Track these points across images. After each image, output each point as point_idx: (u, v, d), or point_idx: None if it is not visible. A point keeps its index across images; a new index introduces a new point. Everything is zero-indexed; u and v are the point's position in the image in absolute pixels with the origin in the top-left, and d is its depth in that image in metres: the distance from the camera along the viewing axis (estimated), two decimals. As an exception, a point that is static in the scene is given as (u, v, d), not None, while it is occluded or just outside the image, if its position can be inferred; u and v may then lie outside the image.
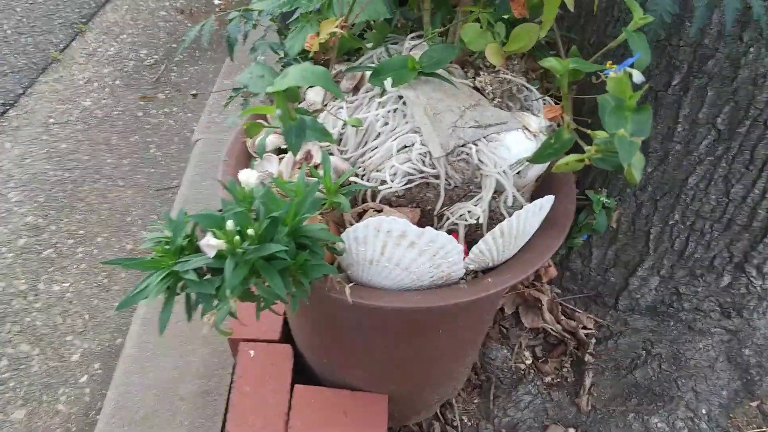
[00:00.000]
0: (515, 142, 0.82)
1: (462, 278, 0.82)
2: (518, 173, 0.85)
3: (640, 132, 0.45)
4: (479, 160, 0.80)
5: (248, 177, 0.65)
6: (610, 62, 0.57)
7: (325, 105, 0.89)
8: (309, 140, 0.69)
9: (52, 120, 2.07)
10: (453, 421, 1.24)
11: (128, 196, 1.82)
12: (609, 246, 1.33)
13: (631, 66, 0.57)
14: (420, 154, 0.80)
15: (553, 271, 1.33)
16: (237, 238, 0.61)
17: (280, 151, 0.94)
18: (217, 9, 2.68)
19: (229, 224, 0.61)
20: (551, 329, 1.32)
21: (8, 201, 1.74)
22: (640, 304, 1.34)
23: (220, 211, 0.71)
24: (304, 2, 0.83)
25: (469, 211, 0.80)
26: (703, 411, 1.26)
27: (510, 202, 0.81)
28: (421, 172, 0.80)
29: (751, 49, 1.04)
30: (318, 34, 0.79)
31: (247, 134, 0.91)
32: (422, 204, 0.83)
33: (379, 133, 0.84)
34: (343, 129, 0.86)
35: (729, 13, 0.77)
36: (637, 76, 0.46)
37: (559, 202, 0.86)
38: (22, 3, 2.68)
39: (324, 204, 0.76)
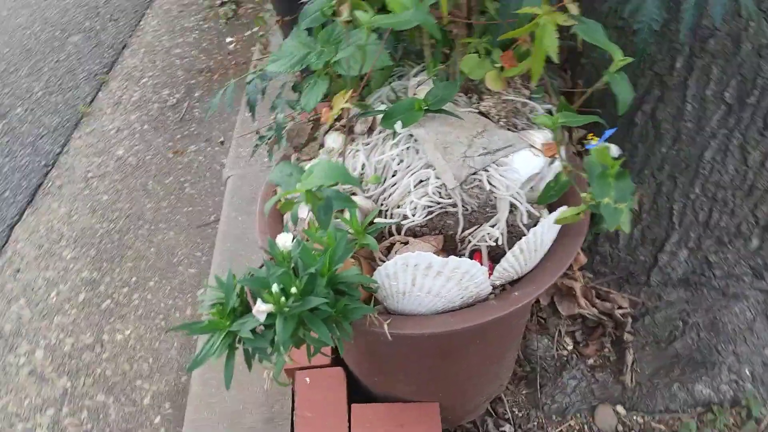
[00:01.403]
0: (524, 162, 0.87)
1: (491, 293, 0.89)
2: (531, 188, 0.90)
3: (623, 198, 0.50)
4: (491, 184, 0.86)
5: (285, 241, 0.73)
6: (591, 134, 0.61)
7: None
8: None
9: (90, 174, 2.21)
10: (504, 414, 1.31)
11: (171, 237, 1.94)
12: (634, 226, 1.37)
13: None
14: (436, 186, 0.86)
15: (582, 258, 1.38)
16: (283, 299, 0.69)
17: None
18: (230, 47, 2.76)
19: (275, 288, 0.69)
20: (587, 314, 1.37)
21: (63, 259, 1.88)
22: (672, 278, 1.38)
23: (262, 266, 0.79)
24: (314, 61, 0.89)
25: (488, 233, 0.86)
26: (747, 372, 1.29)
27: (525, 220, 0.87)
28: (439, 203, 0.87)
29: (751, 23, 1.06)
30: (331, 108, 0.86)
31: (281, 210, 0.99)
32: (444, 230, 0.89)
33: (396, 171, 0.90)
34: (362, 170, 0.93)
35: (716, 13, 0.80)
36: (615, 150, 0.51)
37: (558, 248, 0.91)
38: (48, 63, 2.83)
39: (355, 246, 0.83)
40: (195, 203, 2.06)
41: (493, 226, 0.87)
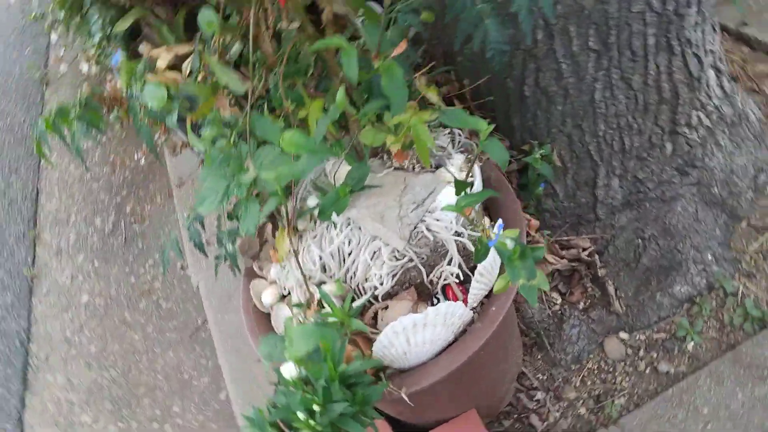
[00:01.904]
0: (450, 198, 0.97)
1: (473, 313, 0.99)
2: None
3: (532, 276, 0.60)
4: (431, 231, 0.95)
5: (290, 371, 0.81)
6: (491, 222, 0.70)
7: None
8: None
9: (68, 333, 2.22)
10: (531, 384, 1.43)
11: (171, 357, 1.98)
12: (565, 177, 1.49)
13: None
14: (389, 253, 0.95)
15: (535, 222, 1.50)
16: (311, 421, 0.78)
17: (282, 296, 1.10)
18: (142, 161, 2.76)
19: (301, 416, 0.77)
20: (560, 267, 1.50)
21: (85, 425, 1.91)
22: (615, 205, 1.51)
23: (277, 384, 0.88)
24: (237, 191, 0.96)
25: (449, 271, 0.96)
26: (709, 257, 1.45)
27: (471, 247, 0.97)
28: (398, 264, 0.96)
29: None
30: (276, 249, 0.94)
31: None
32: (413, 282, 0.99)
33: (350, 251, 0.99)
34: (320, 260, 1.02)
35: (526, 26, 0.90)
36: (510, 243, 0.60)
37: (507, 212, 1.02)
38: (-26, 244, 2.79)
39: (346, 335, 0.92)
40: (177, 315, 2.10)
41: (449, 263, 0.97)
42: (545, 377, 1.44)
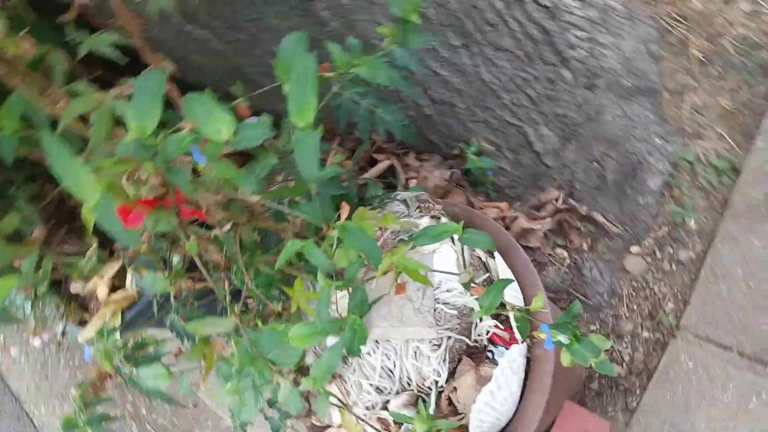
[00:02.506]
0: (447, 262, 0.99)
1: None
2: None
3: (597, 353, 0.62)
4: (450, 304, 0.97)
5: None
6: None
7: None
8: None
9: None
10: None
11: None
12: (502, 153, 1.53)
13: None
14: (428, 345, 0.97)
15: (503, 205, 1.54)
16: None
17: None
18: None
19: None
20: (547, 227, 1.54)
21: None
22: (555, 148, 1.56)
23: None
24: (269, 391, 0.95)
25: (485, 325, 0.98)
26: (657, 141, 1.52)
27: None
28: (440, 347, 0.97)
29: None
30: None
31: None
32: (462, 352, 1.01)
33: (394, 362, 1.00)
34: (372, 386, 1.02)
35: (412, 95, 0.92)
36: (564, 338, 0.62)
37: (517, 266, 1.04)
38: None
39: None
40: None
41: (481, 320, 0.99)
42: (598, 326, 1.49)
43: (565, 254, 1.56)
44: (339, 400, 0.91)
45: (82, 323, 1.62)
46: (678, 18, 1.62)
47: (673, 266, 1.45)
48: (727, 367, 1.31)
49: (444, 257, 1.00)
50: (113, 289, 1.46)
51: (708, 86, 1.53)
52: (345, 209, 0.70)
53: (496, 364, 0.98)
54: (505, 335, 1.01)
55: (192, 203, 0.80)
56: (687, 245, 1.44)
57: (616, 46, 1.57)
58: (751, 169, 1.39)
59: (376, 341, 0.99)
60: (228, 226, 0.83)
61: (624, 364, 1.43)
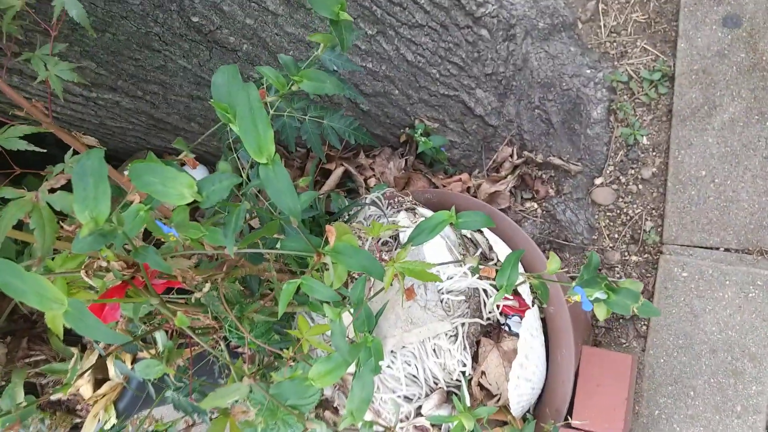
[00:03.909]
0: (438, 250, 0.96)
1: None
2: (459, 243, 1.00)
3: (636, 298, 0.60)
4: (454, 291, 0.94)
5: None
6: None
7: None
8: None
9: None
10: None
11: None
12: (447, 127, 1.51)
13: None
14: (446, 339, 0.93)
15: (465, 176, 1.52)
16: None
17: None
18: None
19: None
20: (511, 185, 1.54)
21: None
22: (495, 107, 1.55)
23: None
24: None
25: (490, 302, 0.96)
26: (588, 71, 1.53)
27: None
28: (459, 338, 0.94)
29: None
30: None
31: None
32: (480, 333, 0.98)
33: (416, 366, 0.96)
34: (401, 397, 0.98)
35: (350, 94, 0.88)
36: (600, 294, 0.59)
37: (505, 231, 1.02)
38: None
39: (485, 424, 0.90)
40: None
41: (487, 295, 0.96)
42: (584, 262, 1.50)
43: (535, 206, 1.55)
44: (381, 425, 0.87)
45: (76, 429, 1.50)
46: (569, -51, 1.64)
47: (640, 186, 1.47)
48: (720, 266, 1.34)
49: (434, 246, 0.96)
50: (97, 383, 1.36)
51: (617, 5, 1.56)
52: (332, 232, 0.65)
53: (516, 335, 0.96)
54: (515, 303, 0.99)
55: (163, 275, 0.73)
56: (646, 162, 1.46)
57: (521, -8, 1.57)
58: (683, 73, 1.42)
59: (393, 351, 0.95)
60: (207, 286, 0.76)
61: (623, 293, 1.44)
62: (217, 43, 1.10)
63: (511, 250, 1.00)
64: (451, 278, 0.94)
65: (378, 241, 0.98)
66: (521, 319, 0.96)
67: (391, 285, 0.94)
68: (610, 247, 1.49)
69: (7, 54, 0.71)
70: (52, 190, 0.57)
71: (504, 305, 0.98)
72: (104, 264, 0.69)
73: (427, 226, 0.66)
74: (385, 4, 1.29)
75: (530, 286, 0.98)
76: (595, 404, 1.20)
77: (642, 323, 1.42)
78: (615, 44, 1.54)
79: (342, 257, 0.66)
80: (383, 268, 0.65)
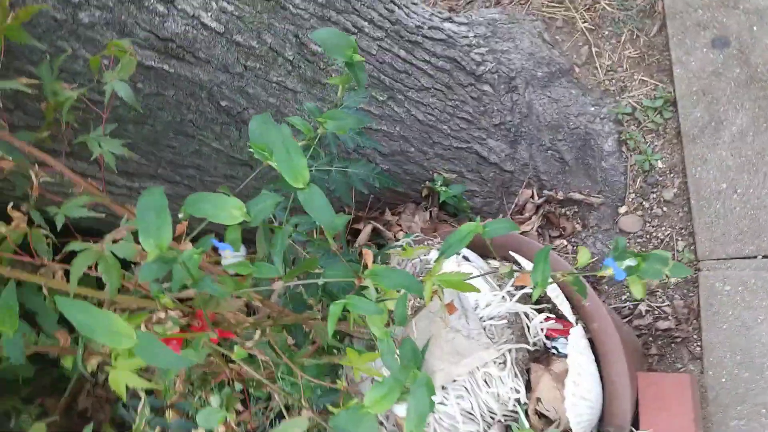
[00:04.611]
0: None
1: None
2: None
3: (665, 261, 0.63)
4: (495, 317, 0.95)
5: None
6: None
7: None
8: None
9: None
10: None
11: None
12: (465, 177, 1.57)
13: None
14: (495, 367, 0.94)
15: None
16: None
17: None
18: None
19: None
20: (537, 224, 1.57)
21: None
22: (508, 153, 1.62)
23: None
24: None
25: (538, 323, 0.97)
26: (592, 109, 1.60)
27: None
28: (507, 365, 0.94)
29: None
30: None
31: None
32: (528, 358, 0.98)
33: (469, 400, 0.95)
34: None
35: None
36: (632, 261, 0.62)
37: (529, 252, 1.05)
38: None
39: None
40: None
41: (529, 318, 0.97)
42: (627, 294, 1.49)
43: (564, 242, 1.57)
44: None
45: None
46: (553, 4, 1.77)
47: (664, 208, 1.49)
48: (761, 274, 1.33)
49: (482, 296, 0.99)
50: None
51: (609, 46, 1.65)
52: (368, 255, 0.69)
53: (565, 357, 0.96)
54: (559, 326, 1.00)
55: (217, 322, 0.77)
56: (665, 184, 1.49)
57: (515, 48, 1.68)
58: (684, 95, 1.48)
59: (444, 387, 0.95)
60: (258, 334, 0.80)
61: (669, 317, 1.42)
62: (244, 122, 1.20)
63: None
64: (489, 305, 0.95)
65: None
66: (567, 341, 0.96)
67: (431, 313, 0.96)
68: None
69: (65, 141, 0.80)
70: (114, 242, 0.63)
71: (549, 328, 0.99)
72: (162, 315, 0.73)
73: (455, 238, 0.70)
74: (391, 72, 1.40)
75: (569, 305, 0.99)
76: (663, 430, 1.16)
77: (695, 344, 1.39)
78: (614, 81, 1.62)
79: (380, 278, 0.69)
80: (422, 284, 0.68)
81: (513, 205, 1.61)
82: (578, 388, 0.89)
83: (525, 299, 0.99)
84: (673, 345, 1.42)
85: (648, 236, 1.50)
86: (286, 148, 0.60)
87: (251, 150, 0.65)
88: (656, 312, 1.43)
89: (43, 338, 0.95)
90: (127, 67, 0.71)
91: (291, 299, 0.96)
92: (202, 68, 1.11)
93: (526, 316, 0.96)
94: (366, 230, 1.32)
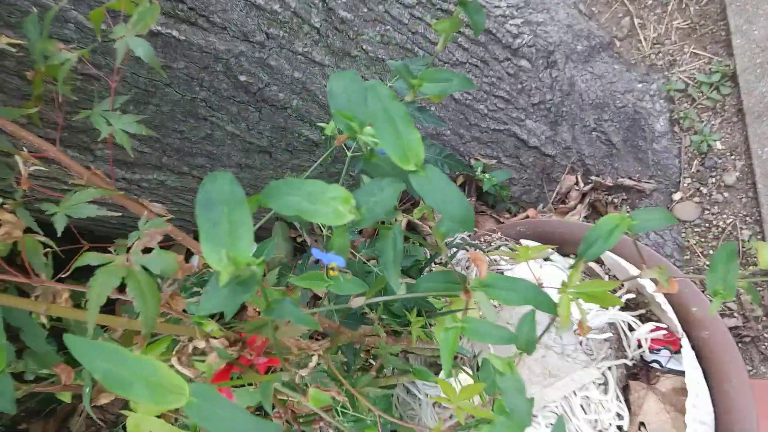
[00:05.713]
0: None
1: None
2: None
3: (735, 266, 0.48)
4: (593, 329, 0.79)
5: None
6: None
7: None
8: None
9: None
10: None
11: None
12: (504, 163, 1.41)
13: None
14: (594, 387, 0.77)
15: (532, 211, 1.40)
16: None
17: None
18: None
19: None
20: (582, 213, 1.41)
21: None
22: (548, 135, 1.46)
23: None
24: None
25: (642, 333, 0.81)
26: (639, 86, 1.45)
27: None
28: (607, 383, 0.78)
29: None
30: None
31: None
32: (628, 377, 0.82)
33: (568, 425, 0.79)
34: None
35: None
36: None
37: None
38: None
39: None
40: None
41: (630, 329, 0.81)
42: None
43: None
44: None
45: None
46: (588, -27, 1.61)
47: (725, 194, 1.34)
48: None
49: (549, 278, 0.82)
50: None
51: (653, 17, 1.50)
52: (482, 261, 0.52)
53: (670, 372, 0.80)
54: (659, 335, 0.84)
55: (269, 350, 0.59)
56: (726, 168, 1.35)
57: (551, 19, 1.52)
58: (746, 69, 1.34)
59: (534, 414, 0.79)
60: (315, 359, 0.62)
61: (736, 314, 1.28)
62: (266, 101, 1.02)
63: (637, 271, 0.86)
64: (587, 313, 0.79)
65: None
66: (671, 353, 0.80)
67: (510, 325, 0.79)
68: (707, 266, 1.34)
69: (60, 122, 0.61)
70: (144, 252, 0.44)
71: (651, 341, 0.83)
72: (201, 345, 0.55)
73: (599, 234, 0.53)
74: (425, 44, 1.23)
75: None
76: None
77: (765, 343, 1.25)
78: (660, 54, 1.47)
79: (498, 291, 0.52)
80: (551, 299, 0.51)
81: (554, 193, 1.45)
82: (698, 412, 0.73)
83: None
84: (740, 345, 1.28)
85: (707, 225, 1.35)
86: (388, 114, 0.43)
87: (308, 127, 0.47)
88: (723, 308, 1.29)
89: (30, 362, 0.76)
90: (149, 16, 0.52)
91: (341, 313, 0.78)
92: (218, 36, 0.92)
93: (628, 326, 0.81)
94: (402, 223, 1.14)
